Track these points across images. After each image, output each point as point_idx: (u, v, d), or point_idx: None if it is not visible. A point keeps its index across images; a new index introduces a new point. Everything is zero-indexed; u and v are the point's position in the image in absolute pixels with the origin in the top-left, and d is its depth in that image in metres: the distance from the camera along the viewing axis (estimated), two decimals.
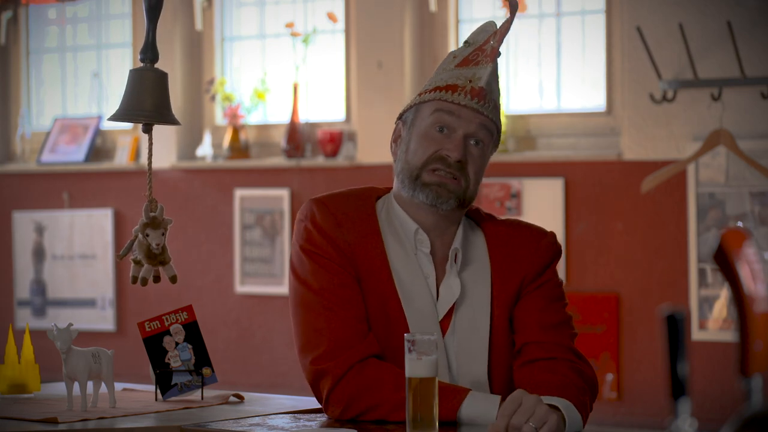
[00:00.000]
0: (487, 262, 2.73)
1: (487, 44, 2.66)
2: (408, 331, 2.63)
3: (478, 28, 2.72)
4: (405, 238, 2.71)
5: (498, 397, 2.55)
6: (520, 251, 2.75)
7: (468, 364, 2.69)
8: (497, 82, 2.69)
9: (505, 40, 2.69)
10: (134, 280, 2.82)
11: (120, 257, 2.84)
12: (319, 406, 2.81)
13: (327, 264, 2.68)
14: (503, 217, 2.83)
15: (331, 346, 2.63)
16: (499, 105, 2.70)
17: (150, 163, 2.86)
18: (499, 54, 2.69)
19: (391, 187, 2.80)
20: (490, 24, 2.72)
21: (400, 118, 2.75)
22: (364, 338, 2.64)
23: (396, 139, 2.75)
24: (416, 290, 2.68)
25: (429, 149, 2.65)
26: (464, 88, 2.63)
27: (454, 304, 2.70)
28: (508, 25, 2.65)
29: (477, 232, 2.77)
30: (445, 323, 2.70)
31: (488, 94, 2.64)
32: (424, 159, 2.65)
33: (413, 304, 2.67)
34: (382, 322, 2.67)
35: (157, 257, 2.80)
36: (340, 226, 2.69)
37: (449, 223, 2.72)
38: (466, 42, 2.72)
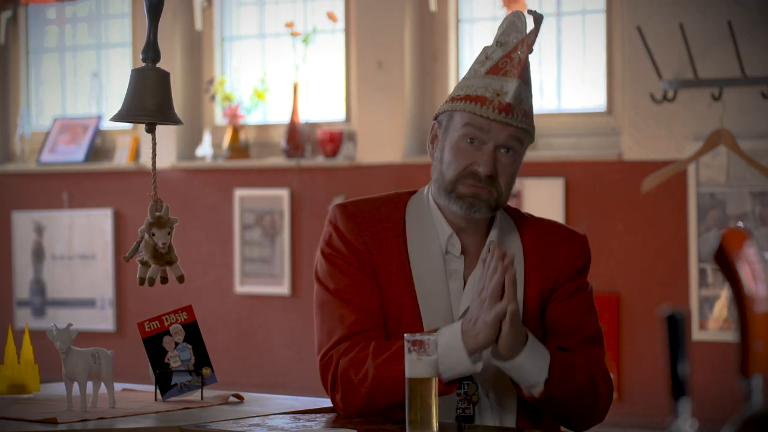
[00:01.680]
0: (521, 257, 2.79)
1: (515, 52, 2.70)
2: (423, 330, 2.68)
3: (507, 24, 2.76)
4: (435, 238, 2.77)
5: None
6: (556, 249, 2.82)
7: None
8: (527, 89, 2.73)
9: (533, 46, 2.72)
10: (142, 281, 2.81)
11: (126, 259, 2.83)
12: (321, 405, 2.82)
13: (344, 266, 2.74)
14: (539, 216, 2.90)
15: (339, 338, 2.70)
16: (531, 109, 2.75)
17: (154, 162, 2.86)
18: (531, 52, 2.72)
19: (418, 189, 2.86)
20: (518, 18, 2.75)
21: (435, 118, 2.80)
22: (374, 330, 2.70)
23: (432, 140, 2.81)
24: (436, 290, 2.74)
25: (461, 163, 2.71)
26: (492, 102, 2.69)
27: None
28: (534, 36, 2.69)
29: (513, 229, 2.83)
30: None
31: (516, 107, 2.69)
32: (457, 173, 2.72)
33: (430, 304, 2.73)
34: (397, 322, 2.72)
35: (163, 257, 2.80)
36: (359, 226, 2.75)
37: (483, 224, 2.79)
38: (497, 42, 2.75)
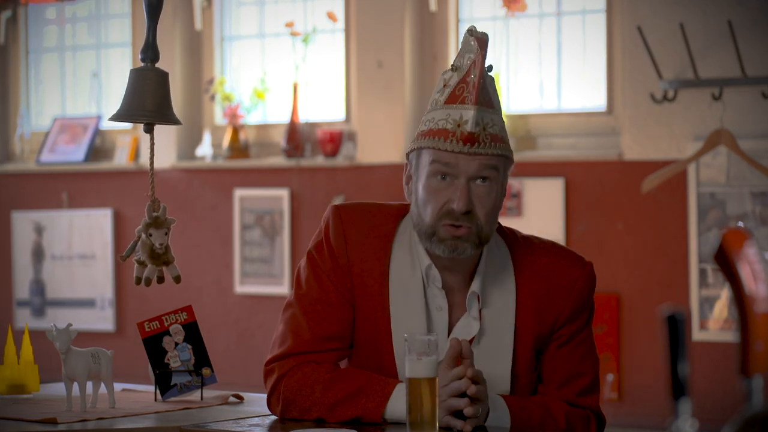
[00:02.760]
0: (513, 300, 2.67)
1: (468, 76, 2.58)
2: (393, 360, 2.63)
3: (462, 45, 2.64)
4: (418, 268, 2.67)
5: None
6: (557, 286, 2.69)
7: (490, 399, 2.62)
8: (492, 111, 2.61)
9: (485, 72, 2.60)
10: (138, 280, 2.81)
11: (123, 258, 2.83)
12: None
13: (321, 276, 2.68)
14: (538, 239, 2.75)
15: (286, 350, 2.66)
16: (501, 131, 2.62)
17: (152, 163, 2.85)
18: (490, 71, 2.63)
19: None
20: (471, 35, 2.62)
21: (407, 156, 2.69)
22: (323, 353, 2.65)
23: (408, 181, 2.69)
24: (412, 323, 2.64)
25: (436, 203, 2.58)
26: (454, 133, 2.56)
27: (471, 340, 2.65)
28: (482, 59, 2.57)
29: (506, 264, 2.70)
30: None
31: (480, 134, 2.57)
32: (433, 216, 2.59)
33: (403, 332, 2.62)
34: (371, 345, 2.66)
35: (160, 257, 2.80)
36: (346, 240, 2.67)
37: (470, 260, 2.66)
38: (453, 66, 2.64)
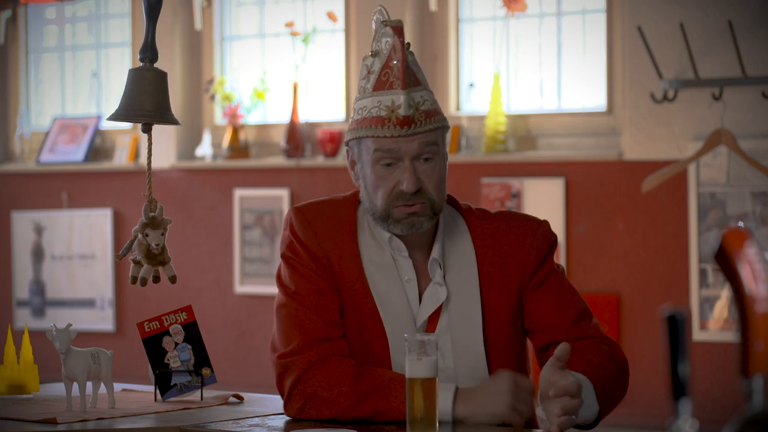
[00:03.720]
0: (473, 263, 2.74)
1: (391, 61, 2.67)
2: (386, 338, 2.66)
3: (376, 28, 2.72)
4: (383, 244, 2.74)
5: (452, 386, 2.57)
6: (514, 246, 2.75)
7: (464, 363, 2.69)
8: (420, 89, 2.68)
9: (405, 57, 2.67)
10: (134, 280, 2.81)
11: (119, 257, 2.83)
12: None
13: (304, 271, 2.72)
14: (494, 210, 2.83)
15: (300, 344, 2.66)
16: (433, 104, 2.69)
17: (149, 163, 2.85)
18: (409, 46, 2.68)
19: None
20: (383, 17, 2.70)
21: (347, 144, 2.75)
22: (335, 340, 2.67)
23: (352, 166, 2.76)
24: (393, 297, 2.70)
25: (386, 188, 2.66)
26: (390, 119, 2.65)
27: (439, 307, 2.71)
28: (401, 46, 2.65)
29: (462, 230, 2.78)
30: (431, 327, 2.71)
31: (415, 115, 2.65)
32: (385, 200, 2.67)
33: (390, 311, 2.69)
34: (360, 330, 2.70)
35: (156, 257, 2.80)
36: (316, 235, 2.73)
37: (427, 233, 2.73)
38: (371, 52, 2.72)
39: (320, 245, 2.72)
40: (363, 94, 2.71)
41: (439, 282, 2.71)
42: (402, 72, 2.65)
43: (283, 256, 2.76)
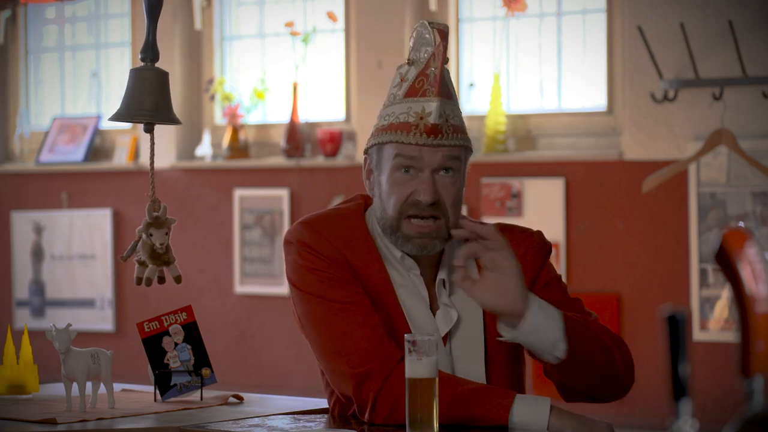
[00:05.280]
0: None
1: (428, 69, 2.59)
2: None
3: (416, 38, 2.64)
4: (396, 261, 2.67)
5: (548, 399, 2.51)
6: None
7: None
8: (451, 103, 2.62)
9: (444, 63, 2.61)
10: (139, 281, 2.81)
11: (124, 259, 2.83)
12: (321, 406, 2.80)
13: (333, 280, 2.62)
14: (487, 224, 2.75)
15: (369, 348, 2.56)
16: (461, 122, 2.63)
17: (152, 162, 2.85)
18: (447, 62, 2.62)
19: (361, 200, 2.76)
20: (425, 29, 2.62)
21: (366, 152, 2.68)
22: (393, 343, 2.58)
23: (368, 175, 2.69)
24: (418, 312, 2.64)
25: (400, 195, 2.59)
26: (417, 126, 2.57)
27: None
28: (443, 50, 2.57)
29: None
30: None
31: (443, 126, 2.58)
32: (398, 207, 2.59)
33: (417, 325, 2.63)
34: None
35: (161, 257, 2.80)
36: (336, 249, 2.63)
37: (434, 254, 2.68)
38: (409, 60, 2.65)
39: (343, 257, 2.62)
40: (392, 100, 2.63)
41: (446, 302, 2.65)
42: (439, 78, 2.58)
43: (304, 268, 2.63)
